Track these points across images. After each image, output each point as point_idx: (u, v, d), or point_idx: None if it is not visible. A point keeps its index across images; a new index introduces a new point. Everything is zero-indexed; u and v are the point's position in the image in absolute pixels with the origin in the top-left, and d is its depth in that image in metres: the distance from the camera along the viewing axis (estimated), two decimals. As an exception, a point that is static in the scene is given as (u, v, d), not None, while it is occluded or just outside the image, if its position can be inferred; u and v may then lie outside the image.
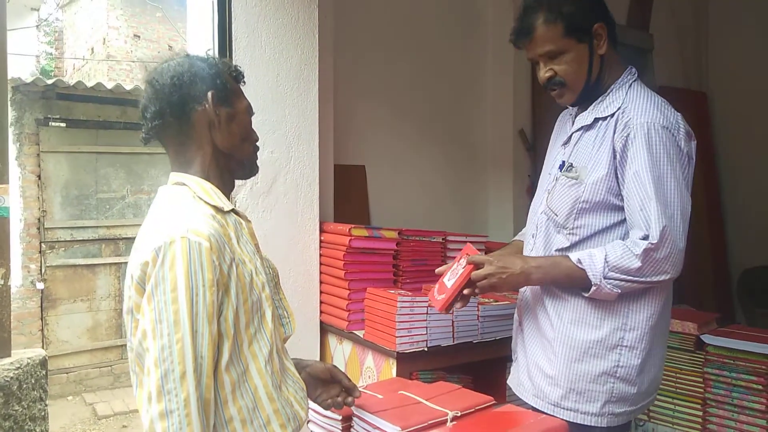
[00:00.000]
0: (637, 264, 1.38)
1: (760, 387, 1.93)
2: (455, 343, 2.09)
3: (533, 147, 3.12)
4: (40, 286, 5.91)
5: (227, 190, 1.26)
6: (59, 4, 9.28)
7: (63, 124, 5.95)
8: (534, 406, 1.57)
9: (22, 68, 7.44)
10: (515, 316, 1.72)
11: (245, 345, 1.12)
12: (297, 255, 2.29)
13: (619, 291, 1.41)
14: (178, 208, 1.14)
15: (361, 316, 2.18)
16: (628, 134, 1.42)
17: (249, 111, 1.29)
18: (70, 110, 5.99)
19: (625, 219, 1.47)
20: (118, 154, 6.26)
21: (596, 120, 1.50)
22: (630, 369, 1.47)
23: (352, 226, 2.21)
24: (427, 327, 2.03)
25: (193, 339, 1.02)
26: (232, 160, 1.25)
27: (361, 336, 2.14)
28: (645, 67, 3.67)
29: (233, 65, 1.30)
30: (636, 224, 1.41)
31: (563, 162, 1.54)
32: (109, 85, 6.10)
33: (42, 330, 5.95)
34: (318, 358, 2.30)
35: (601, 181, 1.45)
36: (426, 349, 2.02)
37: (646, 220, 1.39)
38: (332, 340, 2.33)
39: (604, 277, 1.40)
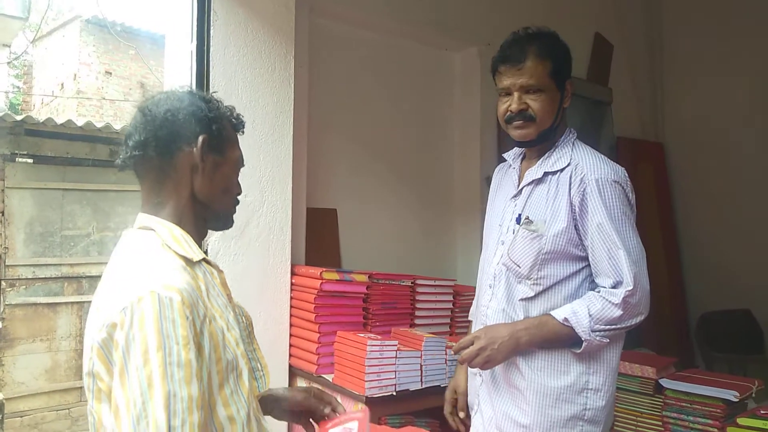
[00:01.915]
0: (618, 312, 1.47)
1: (715, 430, 1.99)
2: (423, 386, 2.12)
3: (500, 193, 3.22)
4: (-2, 325, 5.73)
5: (199, 237, 1.19)
6: (30, 40, 9.24)
7: (30, 160, 5.88)
8: None
9: (-10, 103, 7.36)
10: (472, 370, 1.70)
11: (220, 409, 1.04)
12: (268, 298, 2.31)
13: (607, 340, 1.49)
14: (145, 260, 1.05)
15: (330, 359, 2.20)
16: (585, 189, 1.51)
17: (239, 163, 1.23)
18: (38, 146, 5.93)
19: (584, 267, 1.56)
20: (86, 190, 6.19)
21: (546, 174, 1.58)
22: (596, 411, 1.54)
23: (324, 269, 2.24)
24: (395, 371, 2.06)
25: (167, 406, 0.91)
26: (208, 209, 1.18)
27: (330, 380, 2.15)
28: (604, 119, 3.85)
29: (236, 113, 1.25)
30: (603, 272, 1.51)
31: (519, 216, 1.60)
32: (80, 122, 6.07)
33: (-2, 372, 5.74)
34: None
35: (562, 233, 1.52)
36: (395, 393, 2.05)
37: (617, 267, 1.48)
38: (301, 384, 2.33)
39: (592, 331, 1.47)
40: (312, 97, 2.64)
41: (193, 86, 2.17)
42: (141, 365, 0.92)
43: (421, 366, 2.11)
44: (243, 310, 1.33)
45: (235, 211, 1.25)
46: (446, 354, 2.18)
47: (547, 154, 1.60)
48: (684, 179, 4.16)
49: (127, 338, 0.94)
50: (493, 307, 1.63)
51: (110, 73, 9.59)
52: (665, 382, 2.12)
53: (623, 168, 1.58)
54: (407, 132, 3.13)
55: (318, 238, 2.70)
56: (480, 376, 1.67)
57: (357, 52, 2.95)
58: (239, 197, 1.25)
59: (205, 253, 1.21)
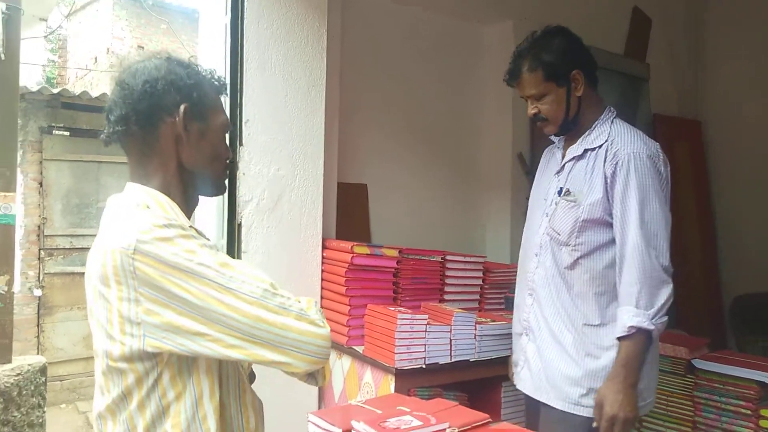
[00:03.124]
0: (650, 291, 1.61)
1: (748, 412, 1.97)
2: (452, 360, 2.14)
3: (531, 171, 3.19)
4: (38, 293, 5.93)
5: (190, 206, 1.19)
6: (65, 14, 9.37)
7: (66, 133, 6.02)
8: (554, 406, 1.74)
9: (28, 77, 7.52)
10: (517, 329, 1.91)
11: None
12: (299, 271, 2.34)
13: (667, 317, 1.62)
14: (128, 211, 1.07)
15: (360, 332, 2.23)
16: (617, 162, 1.65)
17: (224, 128, 1.20)
18: (74, 119, 6.06)
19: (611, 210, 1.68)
20: (120, 163, 6.30)
21: (586, 151, 1.74)
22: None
23: (355, 243, 2.26)
24: (425, 344, 2.08)
25: (251, 271, 1.03)
26: (197, 177, 1.17)
27: (361, 352, 2.18)
28: (641, 95, 3.76)
29: (217, 75, 1.21)
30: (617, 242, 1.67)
31: (561, 189, 1.77)
32: (114, 96, 6.17)
33: (38, 337, 5.96)
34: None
35: (598, 203, 1.67)
36: (424, 366, 2.07)
37: (623, 241, 1.64)
38: (332, 355, 2.37)
39: (651, 319, 1.59)
40: (344, 71, 2.63)
41: (227, 60, 2.19)
42: (194, 266, 0.99)
43: (450, 340, 2.13)
44: None
45: (226, 176, 1.24)
46: (475, 329, 2.19)
47: (587, 132, 1.76)
48: (721, 158, 4.05)
49: (160, 268, 0.99)
50: (540, 274, 1.81)
51: (142, 47, 9.68)
52: (697, 363, 2.10)
53: (657, 143, 1.71)
54: (438, 107, 3.10)
55: (348, 212, 2.72)
56: (526, 335, 1.85)
57: (389, 26, 2.93)
58: (228, 160, 1.23)
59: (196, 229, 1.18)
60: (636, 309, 1.59)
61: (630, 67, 3.66)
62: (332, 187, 2.55)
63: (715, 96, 4.09)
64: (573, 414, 1.70)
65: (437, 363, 2.11)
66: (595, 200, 1.67)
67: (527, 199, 3.12)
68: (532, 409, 1.86)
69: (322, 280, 2.40)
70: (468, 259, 2.54)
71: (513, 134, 3.15)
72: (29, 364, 3.01)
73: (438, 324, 2.13)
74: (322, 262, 2.40)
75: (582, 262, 1.70)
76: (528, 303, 1.85)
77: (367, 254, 2.27)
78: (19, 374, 2.88)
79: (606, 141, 1.70)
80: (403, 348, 2.03)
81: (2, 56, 2.68)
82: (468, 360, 2.17)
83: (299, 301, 1.07)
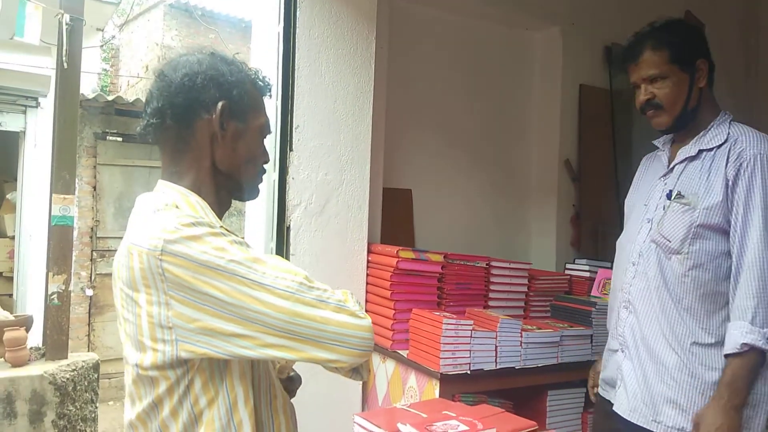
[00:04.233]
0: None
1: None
2: (497, 367, 2.13)
3: (578, 177, 3.16)
4: (89, 292, 6.14)
5: (222, 208, 1.14)
6: (118, 24, 9.73)
7: (119, 139, 6.24)
8: (652, 430, 1.61)
9: (84, 84, 7.83)
10: (613, 346, 1.76)
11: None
12: (345, 274, 2.37)
13: None
14: (157, 210, 1.02)
15: (405, 336, 2.24)
16: (741, 163, 1.53)
17: (263, 130, 1.15)
18: (126, 125, 6.27)
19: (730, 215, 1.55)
20: (170, 168, 6.50)
21: (701, 151, 1.61)
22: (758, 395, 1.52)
23: (400, 248, 2.28)
24: (470, 350, 2.07)
25: (277, 259, 1.00)
26: (230, 180, 1.12)
27: (405, 356, 2.20)
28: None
29: (262, 75, 1.16)
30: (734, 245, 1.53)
31: (670, 192, 1.63)
32: (164, 103, 6.36)
33: (88, 335, 6.18)
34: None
35: (716, 207, 1.54)
36: (469, 372, 2.07)
37: (742, 247, 1.50)
38: (375, 358, 2.39)
39: (766, 339, 1.45)
40: (391, 78, 2.66)
41: (280, 67, 2.24)
42: (225, 263, 0.94)
43: (495, 347, 2.12)
44: None
45: (260, 181, 1.17)
46: (521, 337, 2.17)
47: (702, 133, 1.63)
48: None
49: (190, 268, 0.94)
50: (638, 286, 1.66)
51: (183, 51, 9.93)
52: None
53: None
54: (484, 113, 3.10)
55: (393, 217, 2.74)
56: (622, 352, 1.71)
57: (436, 33, 2.95)
58: (265, 166, 1.18)
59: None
60: (751, 326, 1.45)
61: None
62: (378, 192, 2.58)
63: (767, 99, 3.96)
64: None
65: (482, 369, 2.10)
66: (713, 204, 1.53)
67: (573, 206, 3.12)
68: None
69: (367, 284, 2.42)
70: (513, 265, 2.53)
71: (560, 140, 3.13)
72: (83, 361, 3.12)
73: (483, 330, 2.12)
74: (368, 266, 2.42)
75: (694, 273, 1.56)
76: (623, 317, 1.71)
77: (413, 259, 2.28)
78: (74, 370, 3.00)
79: (726, 141, 1.57)
80: (448, 353, 2.03)
81: (65, 65, 2.81)
82: (513, 367, 2.15)
83: (336, 293, 1.02)
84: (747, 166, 1.51)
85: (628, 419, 1.67)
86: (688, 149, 1.64)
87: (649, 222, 1.67)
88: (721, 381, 1.51)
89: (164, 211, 1.01)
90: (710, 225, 1.55)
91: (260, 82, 1.15)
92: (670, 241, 1.59)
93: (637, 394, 1.65)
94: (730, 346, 1.48)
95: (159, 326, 0.96)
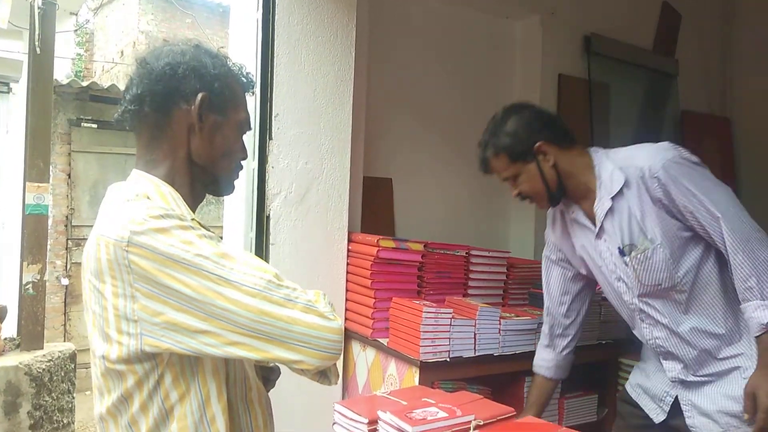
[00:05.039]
0: None
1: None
2: (476, 354, 2.15)
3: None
4: (65, 281, 6.06)
5: (195, 201, 1.13)
6: (93, 8, 9.52)
7: (94, 125, 6.14)
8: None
9: (57, 70, 7.67)
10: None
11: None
12: (325, 263, 2.37)
13: None
14: (126, 201, 1.01)
15: (385, 324, 2.25)
16: (659, 180, 1.56)
17: (243, 126, 1.15)
18: (102, 112, 6.17)
19: (702, 242, 1.60)
20: (146, 156, 6.41)
21: (612, 199, 1.64)
22: None
23: (380, 237, 2.28)
24: (450, 338, 2.09)
25: (247, 255, 0.98)
26: (205, 172, 1.12)
27: (385, 344, 2.21)
28: (669, 92, 3.72)
29: (246, 71, 1.16)
30: (717, 242, 1.56)
31: (619, 248, 1.66)
32: (140, 89, 6.26)
33: (64, 325, 6.11)
34: (340, 364, 2.37)
35: (668, 231, 1.58)
36: (448, 359, 2.09)
37: (721, 239, 1.54)
38: (356, 347, 2.40)
39: None
40: (371, 66, 2.65)
41: (258, 55, 2.22)
42: (191, 252, 0.93)
43: (474, 335, 2.14)
44: None
45: (236, 177, 1.17)
46: (500, 324, 2.19)
47: (598, 184, 1.66)
48: (750, 156, 3.99)
49: (157, 260, 0.93)
50: (659, 336, 1.71)
51: (167, 41, 9.76)
52: None
53: (667, 142, 1.63)
54: (465, 102, 3.10)
55: (373, 206, 2.74)
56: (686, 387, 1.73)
57: (417, 21, 2.94)
58: (243, 162, 1.17)
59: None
60: (762, 301, 1.49)
61: (659, 63, 3.63)
62: (358, 181, 2.57)
63: (746, 93, 4.03)
64: None
65: (461, 356, 2.12)
66: (666, 230, 1.58)
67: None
68: None
69: (348, 273, 2.42)
70: (492, 254, 2.55)
71: (539, 130, 3.14)
72: (59, 351, 3.09)
73: (463, 318, 2.14)
74: (348, 255, 2.42)
75: (694, 291, 1.62)
76: (670, 367, 1.74)
77: (393, 248, 2.29)
78: (50, 360, 2.97)
79: (626, 176, 1.61)
80: (428, 341, 2.05)
81: (38, 50, 2.75)
82: (492, 354, 2.18)
83: (306, 293, 1.00)
84: (666, 179, 1.55)
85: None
86: (602, 204, 1.66)
87: (620, 281, 1.71)
88: (761, 349, 1.52)
89: (134, 201, 1.00)
90: (675, 246, 1.59)
91: (243, 78, 1.15)
92: (661, 284, 1.63)
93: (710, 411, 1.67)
94: (756, 329, 1.51)
95: (124, 319, 0.96)
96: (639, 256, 1.61)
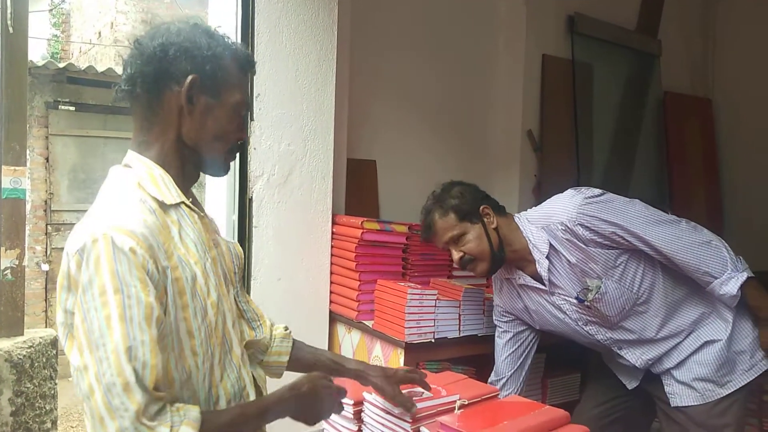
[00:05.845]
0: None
1: None
2: (461, 335, 2.16)
3: (540, 148, 3.19)
4: (45, 267, 5.98)
5: (187, 182, 1.13)
6: (68, -13, 9.31)
7: (72, 108, 6.02)
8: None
9: (33, 51, 7.49)
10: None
11: (188, 354, 1.01)
12: (309, 245, 2.36)
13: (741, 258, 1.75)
14: (112, 199, 1.03)
15: (370, 306, 2.25)
16: (581, 228, 1.68)
17: (239, 107, 1.12)
18: (79, 94, 6.04)
19: (621, 247, 1.71)
20: (126, 139, 6.29)
21: (547, 257, 1.76)
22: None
23: (365, 219, 2.27)
24: (435, 319, 2.10)
25: (127, 349, 0.88)
26: (196, 154, 1.10)
27: (370, 326, 2.21)
28: (651, 72, 3.73)
29: (245, 53, 1.13)
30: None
31: (577, 297, 1.77)
32: (120, 71, 6.14)
33: (46, 311, 6.04)
34: (326, 347, 2.37)
35: (608, 263, 1.71)
36: (433, 340, 2.09)
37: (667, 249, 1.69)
38: (341, 329, 2.40)
39: (740, 272, 1.70)
40: (354, 46, 2.61)
41: (238, 34, 2.17)
42: (100, 307, 0.90)
43: (459, 315, 2.15)
44: (235, 247, 1.27)
45: (231, 158, 1.15)
46: (484, 305, 2.20)
47: (531, 247, 1.78)
48: (731, 137, 4.01)
49: (83, 281, 0.92)
50: (640, 353, 1.82)
51: (146, 22, 9.59)
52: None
53: (569, 189, 1.77)
54: (448, 83, 3.08)
55: (357, 188, 2.72)
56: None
57: (400, 1, 2.89)
58: (239, 143, 1.15)
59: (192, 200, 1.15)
60: (721, 277, 1.66)
61: (641, 43, 3.63)
62: (342, 163, 2.55)
63: (727, 74, 4.05)
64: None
65: (446, 337, 2.13)
66: (605, 263, 1.71)
67: (535, 176, 3.15)
68: None
69: (332, 255, 2.41)
70: (477, 235, 2.54)
71: (523, 111, 3.14)
72: (40, 337, 3.05)
73: (447, 299, 2.15)
74: (332, 238, 2.41)
75: (651, 293, 1.75)
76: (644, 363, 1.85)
77: (377, 230, 2.28)
78: (31, 347, 2.92)
79: (548, 236, 1.74)
80: (413, 322, 2.05)
81: (11, 29, 2.67)
82: (476, 335, 2.19)
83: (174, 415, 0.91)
84: (589, 222, 1.66)
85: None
86: (542, 265, 1.77)
87: (589, 324, 1.82)
88: (753, 307, 1.73)
89: (118, 205, 1.01)
90: (623, 271, 1.71)
91: (242, 59, 1.12)
92: (625, 308, 1.75)
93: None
94: (731, 302, 1.69)
95: (67, 311, 0.98)
96: (596, 296, 1.72)
